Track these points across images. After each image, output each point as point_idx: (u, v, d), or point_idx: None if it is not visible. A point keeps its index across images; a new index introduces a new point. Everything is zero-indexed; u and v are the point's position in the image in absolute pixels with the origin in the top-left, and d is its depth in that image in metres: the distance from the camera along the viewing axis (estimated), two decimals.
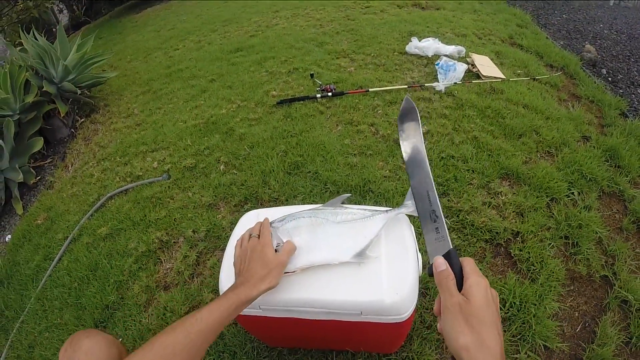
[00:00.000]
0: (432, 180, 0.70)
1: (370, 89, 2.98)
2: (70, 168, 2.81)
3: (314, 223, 0.90)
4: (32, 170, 2.77)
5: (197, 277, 1.69)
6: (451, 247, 0.59)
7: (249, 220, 1.10)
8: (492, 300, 0.54)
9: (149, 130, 2.89)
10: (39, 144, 2.80)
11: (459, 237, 1.72)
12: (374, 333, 1.01)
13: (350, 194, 1.04)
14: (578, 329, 1.38)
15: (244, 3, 6.44)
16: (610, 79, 3.63)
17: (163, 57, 4.53)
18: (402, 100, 2.83)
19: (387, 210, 0.92)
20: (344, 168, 2.14)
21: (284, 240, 0.88)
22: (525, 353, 1.29)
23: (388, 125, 2.53)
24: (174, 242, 1.87)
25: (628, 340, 1.35)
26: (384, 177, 2.07)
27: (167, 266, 1.76)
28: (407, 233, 0.94)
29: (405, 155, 0.76)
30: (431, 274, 0.59)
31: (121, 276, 1.73)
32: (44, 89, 2.96)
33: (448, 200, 1.89)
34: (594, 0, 7.75)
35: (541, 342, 1.31)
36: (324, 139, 2.40)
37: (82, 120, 3.31)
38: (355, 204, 1.87)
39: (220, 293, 0.94)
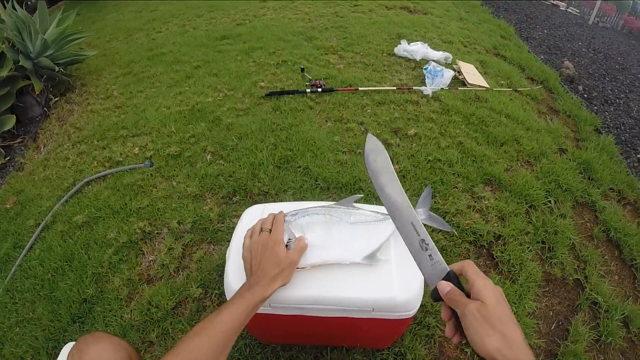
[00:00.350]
0: (414, 210, 0.69)
1: (359, 88, 2.96)
2: (42, 149, 2.62)
3: (328, 221, 0.89)
4: (1, 149, 2.57)
5: (182, 271, 1.60)
6: (448, 269, 0.61)
7: (252, 215, 1.06)
8: (501, 297, 0.55)
9: (130, 114, 2.73)
10: (10, 121, 2.60)
11: (445, 237, 1.74)
12: (379, 329, 1.03)
13: (362, 195, 1.01)
14: (553, 327, 1.47)
15: None
16: (586, 95, 3.79)
17: (145, 39, 4.31)
18: (390, 101, 2.90)
19: None
20: (335, 165, 2.10)
21: (296, 236, 0.85)
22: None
23: (377, 125, 2.52)
24: (158, 233, 1.76)
25: (598, 337, 1.46)
26: None
27: (150, 258, 1.66)
28: None
29: (381, 197, 0.72)
30: (435, 299, 0.60)
31: (100, 268, 1.62)
32: (19, 64, 2.74)
33: (435, 202, 1.92)
34: (574, 18, 8.05)
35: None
36: (314, 134, 2.35)
37: (57, 99, 3.10)
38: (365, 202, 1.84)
39: (227, 290, 0.90)
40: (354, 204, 0.96)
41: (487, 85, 3.20)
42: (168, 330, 1.41)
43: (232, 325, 0.69)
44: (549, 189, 2.09)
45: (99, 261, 1.65)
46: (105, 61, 3.77)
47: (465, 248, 1.72)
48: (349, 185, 1.95)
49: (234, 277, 0.90)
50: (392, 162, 2.16)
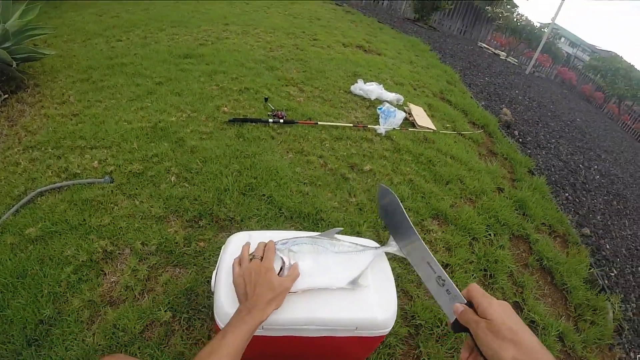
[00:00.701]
0: (429, 251, 0.83)
1: (319, 122, 3.15)
2: None
3: (316, 250, 1.00)
4: None
5: (148, 294, 1.60)
6: (465, 301, 0.67)
7: (238, 242, 1.10)
8: (508, 310, 0.60)
9: (88, 123, 2.64)
10: None
11: (400, 266, 1.95)
12: (359, 345, 1.14)
13: (342, 228, 1.16)
14: None
15: (195, 8, 6.25)
16: (521, 140, 4.31)
17: (105, 45, 4.15)
18: (347, 137, 3.13)
19: (376, 247, 1.08)
20: (297, 195, 2.24)
21: (289, 263, 0.94)
22: None
23: (335, 159, 2.72)
24: (120, 253, 1.74)
25: None
26: (334, 207, 2.22)
27: (113, 279, 1.64)
28: (387, 266, 1.10)
29: (395, 239, 0.91)
30: (457, 330, 0.66)
31: (57, 287, 1.56)
32: None
33: (388, 233, 2.11)
34: (513, 68, 9.01)
35: None
36: (277, 164, 2.47)
37: (6, 96, 2.87)
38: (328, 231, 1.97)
39: (219, 314, 0.93)
40: (336, 236, 1.10)
41: (434, 128, 3.59)
42: (136, 354, 1.40)
43: (237, 348, 0.74)
44: (489, 223, 2.43)
45: (55, 280, 1.58)
46: (62, 63, 3.57)
47: (417, 275, 1.93)
48: (311, 216, 2.09)
49: (227, 301, 0.93)
50: (350, 196, 2.38)
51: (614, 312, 2.06)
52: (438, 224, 2.37)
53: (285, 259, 0.95)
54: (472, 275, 2.01)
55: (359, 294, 0.99)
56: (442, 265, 1.98)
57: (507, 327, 0.56)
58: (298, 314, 0.93)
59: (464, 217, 2.39)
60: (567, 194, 3.35)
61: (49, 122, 2.62)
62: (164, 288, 1.62)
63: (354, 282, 0.98)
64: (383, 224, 2.13)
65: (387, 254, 1.09)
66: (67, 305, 1.52)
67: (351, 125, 3.26)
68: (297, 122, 3.08)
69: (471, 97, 5.07)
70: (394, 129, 3.36)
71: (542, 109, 5.85)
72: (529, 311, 1.88)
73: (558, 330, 1.83)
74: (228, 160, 2.44)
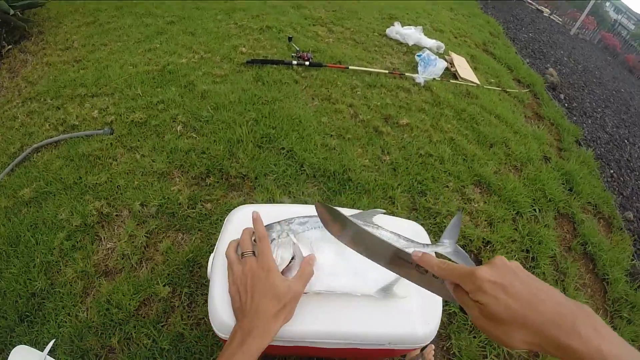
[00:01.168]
0: (388, 242, 0.57)
1: (349, 66, 2.73)
2: None
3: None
4: None
5: (146, 263, 1.39)
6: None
7: (241, 218, 0.84)
8: (506, 278, 0.45)
9: (91, 69, 2.37)
10: None
11: (437, 240, 1.61)
12: (389, 354, 0.88)
13: (384, 211, 0.82)
14: None
15: None
16: (566, 105, 3.83)
17: None
18: (381, 85, 2.67)
19: (424, 245, 0.79)
20: (322, 150, 1.90)
21: (303, 254, 0.67)
22: (491, 358, 1.31)
23: (367, 109, 2.34)
24: (117, 215, 1.52)
25: None
26: (364, 166, 1.88)
27: (108, 246, 1.43)
28: None
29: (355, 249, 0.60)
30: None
31: (50, 255, 1.37)
32: None
33: (426, 200, 1.81)
34: (557, 27, 8.04)
35: (505, 348, 1.34)
36: (300, 112, 2.12)
37: (10, 47, 2.64)
38: (351, 202, 1.66)
39: (215, 322, 0.69)
40: (373, 221, 0.77)
41: (477, 82, 3.12)
42: (131, 334, 1.21)
43: None
44: (534, 197, 2.05)
45: (48, 247, 1.40)
46: (68, 7, 3.27)
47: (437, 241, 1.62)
48: (337, 175, 1.77)
49: (223, 304, 0.69)
50: (383, 153, 2.02)
51: None
52: (480, 192, 2.00)
53: (298, 247, 0.69)
54: (514, 256, 1.67)
55: (398, 303, 0.73)
56: (482, 242, 1.65)
57: (505, 310, 0.42)
58: (314, 327, 0.68)
59: (508, 187, 2.01)
60: (611, 171, 2.94)
61: (50, 71, 2.38)
62: (164, 257, 1.39)
63: (387, 290, 0.72)
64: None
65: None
66: (60, 276, 1.33)
67: (386, 72, 2.81)
68: (324, 65, 2.67)
69: (515, 53, 4.44)
70: (433, 79, 2.89)
71: (588, 74, 5.12)
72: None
73: None
74: (243, 107, 2.11)
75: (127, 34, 2.82)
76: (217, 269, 0.73)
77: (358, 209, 1.66)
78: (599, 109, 4.08)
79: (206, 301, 1.27)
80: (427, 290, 0.69)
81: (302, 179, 1.72)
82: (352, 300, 0.71)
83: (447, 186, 1.92)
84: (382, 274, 0.72)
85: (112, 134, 1.85)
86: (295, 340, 0.71)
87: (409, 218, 1.73)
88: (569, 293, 1.60)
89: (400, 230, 0.79)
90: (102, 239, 1.44)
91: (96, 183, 1.61)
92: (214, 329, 0.69)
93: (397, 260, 0.55)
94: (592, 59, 6.23)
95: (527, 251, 1.72)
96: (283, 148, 1.86)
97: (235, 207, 1.51)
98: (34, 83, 2.29)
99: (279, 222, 0.73)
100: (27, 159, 1.76)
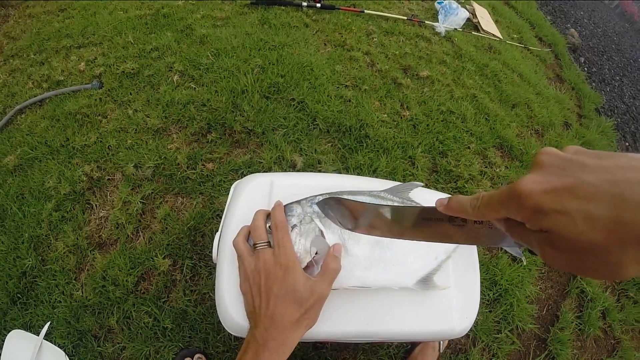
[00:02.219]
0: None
1: (365, 10, 2.36)
2: None
3: None
4: None
5: (143, 232, 1.21)
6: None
7: (251, 192, 0.66)
8: (570, 167, 0.27)
9: (76, 18, 2.09)
10: None
11: None
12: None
13: (422, 184, 0.58)
14: (544, 312, 1.36)
15: None
16: (586, 69, 3.49)
17: None
18: (400, 32, 2.28)
19: None
20: (336, 102, 1.63)
21: (329, 244, 0.54)
22: (505, 333, 1.21)
23: (385, 58, 2.02)
24: (109, 179, 1.33)
25: (582, 328, 1.35)
26: (382, 121, 1.63)
27: (101, 214, 1.25)
28: (474, 252, 0.69)
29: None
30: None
31: (39, 229, 1.20)
32: None
33: (447, 162, 1.58)
34: None
35: (519, 324, 1.25)
36: (311, 59, 1.82)
37: None
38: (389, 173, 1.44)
39: (225, 320, 0.57)
40: (410, 197, 0.56)
41: (500, 36, 2.77)
42: (131, 313, 1.07)
43: None
44: None
45: (36, 220, 1.23)
46: None
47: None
48: (353, 130, 1.52)
49: (232, 300, 0.57)
50: (402, 107, 1.75)
51: None
52: (502, 156, 1.76)
53: (325, 231, 0.55)
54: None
55: (435, 296, 0.62)
56: None
57: (588, 224, 0.24)
58: (341, 327, 0.57)
59: (531, 152, 1.78)
60: (627, 144, 2.73)
61: (33, 23, 2.11)
62: (162, 225, 1.20)
63: (427, 281, 0.60)
64: None
65: None
66: (51, 251, 1.18)
67: (404, 18, 2.43)
68: (338, 8, 2.31)
69: (537, 8, 3.96)
70: (455, 29, 2.51)
71: (606, 38, 4.68)
72: (581, 279, 1.45)
73: (604, 306, 1.42)
74: (248, 53, 1.82)
75: None
76: (224, 254, 0.59)
77: (376, 170, 1.43)
78: (617, 77, 3.81)
79: (210, 274, 1.10)
80: (466, 284, 0.64)
81: (314, 135, 1.47)
82: (386, 294, 0.59)
83: (469, 147, 1.68)
84: (424, 263, 0.60)
85: (101, 88, 1.62)
86: (325, 339, 0.62)
87: (428, 181, 1.50)
88: None
89: None
90: (94, 207, 1.26)
91: (85, 144, 1.41)
92: (223, 324, 0.57)
93: (427, 222, 0.41)
94: (610, 24, 5.74)
95: None
96: (293, 99, 1.60)
97: (240, 166, 1.31)
98: (16, 38, 2.03)
99: (299, 202, 0.57)
100: (11, 122, 1.55)
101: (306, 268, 0.52)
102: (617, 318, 1.40)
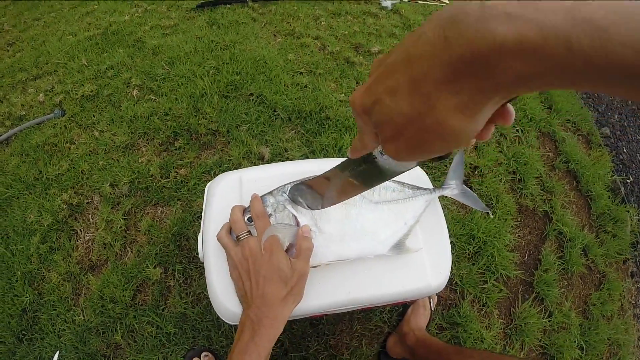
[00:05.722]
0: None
1: None
2: None
3: (347, 202, 0.57)
4: None
5: (130, 247, 1.14)
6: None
7: (224, 190, 0.65)
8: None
9: (27, 49, 1.91)
10: None
11: (423, 169, 1.36)
12: (400, 302, 0.85)
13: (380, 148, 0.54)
14: (526, 257, 1.32)
15: None
16: None
17: None
18: (347, 12, 2.13)
19: (431, 191, 0.65)
20: (293, 89, 1.54)
21: (297, 227, 0.54)
22: (491, 283, 1.17)
23: (335, 40, 1.91)
24: (88, 202, 1.24)
25: (565, 267, 1.31)
26: (340, 101, 1.54)
27: (87, 237, 1.17)
28: (440, 213, 0.67)
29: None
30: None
31: (29, 264, 1.12)
32: None
33: None
34: None
35: (503, 272, 1.19)
36: (263, 52, 1.71)
37: None
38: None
39: (219, 309, 0.57)
40: None
41: (447, 1, 2.59)
42: (134, 326, 1.01)
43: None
44: (516, 117, 1.70)
45: (25, 256, 1.14)
46: None
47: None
48: (313, 114, 1.44)
49: (224, 290, 0.56)
50: (358, 84, 1.65)
51: (631, 224, 1.52)
52: None
53: (296, 215, 0.56)
54: (502, 179, 1.42)
55: (408, 257, 0.61)
56: (470, 168, 1.36)
57: (393, 113, 0.25)
58: (328, 299, 0.58)
59: None
60: None
61: None
62: (148, 237, 1.14)
63: (400, 246, 0.60)
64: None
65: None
66: (46, 284, 1.10)
67: None
68: None
69: None
70: (401, 1, 2.38)
71: None
72: (558, 221, 1.38)
73: (583, 243, 1.37)
74: (201, 57, 1.70)
75: (59, 1, 2.27)
76: (209, 250, 0.59)
77: (341, 148, 1.36)
78: None
79: (201, 274, 1.05)
80: (436, 243, 0.63)
81: (277, 125, 1.40)
82: (364, 264, 0.60)
83: None
84: (394, 230, 0.60)
85: (64, 116, 1.49)
86: (312, 314, 0.60)
87: None
88: (557, 212, 1.40)
89: (400, 177, 0.56)
90: (79, 232, 1.18)
91: (58, 173, 1.30)
92: (220, 316, 0.57)
93: (349, 172, 0.42)
94: None
95: (514, 173, 1.47)
96: (252, 94, 1.51)
97: (211, 167, 1.23)
98: None
99: (271, 192, 0.58)
100: None
101: (287, 250, 0.52)
102: (598, 253, 1.36)
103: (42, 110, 1.54)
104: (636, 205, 1.60)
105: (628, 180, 1.80)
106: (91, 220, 1.20)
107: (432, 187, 0.67)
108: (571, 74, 0.17)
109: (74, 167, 1.31)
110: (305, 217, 0.56)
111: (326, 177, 0.47)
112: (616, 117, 2.34)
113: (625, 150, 2.05)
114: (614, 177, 1.67)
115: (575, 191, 1.57)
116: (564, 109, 1.85)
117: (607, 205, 1.51)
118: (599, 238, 1.43)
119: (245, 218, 0.53)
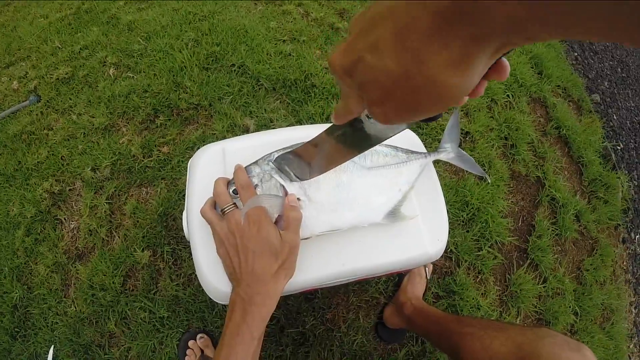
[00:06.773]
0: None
1: None
2: None
3: (337, 168, 0.51)
4: None
5: (116, 231, 1.06)
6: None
7: (207, 162, 0.59)
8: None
9: None
10: None
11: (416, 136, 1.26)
12: (398, 271, 0.74)
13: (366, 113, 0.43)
14: (520, 224, 1.26)
15: None
16: None
17: None
18: None
19: (426, 155, 0.59)
20: (277, 58, 1.41)
21: (288, 192, 0.49)
22: (486, 250, 1.12)
23: (318, 6, 1.73)
24: (70, 189, 1.15)
25: (559, 233, 1.26)
26: (325, 68, 1.41)
27: (72, 226, 1.09)
28: (435, 177, 0.62)
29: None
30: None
31: (16, 259, 1.05)
32: None
33: None
34: None
35: (497, 238, 1.13)
36: (244, 21, 1.56)
37: None
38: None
39: (208, 289, 0.53)
40: None
41: None
42: (126, 313, 0.95)
43: (258, 339, 0.44)
44: (506, 83, 1.60)
45: (11, 250, 1.07)
46: None
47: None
48: (298, 83, 1.31)
49: (211, 269, 0.52)
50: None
51: (622, 191, 1.47)
52: None
53: (284, 184, 0.50)
54: (494, 144, 1.33)
55: (404, 224, 0.55)
56: (462, 134, 1.22)
57: (379, 72, 0.22)
58: (323, 271, 0.52)
59: None
60: (576, 54, 2.44)
61: None
62: (133, 220, 1.05)
63: (395, 214, 0.54)
64: None
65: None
66: (34, 277, 1.03)
67: None
68: None
69: None
70: None
71: None
72: (550, 187, 1.31)
73: (576, 209, 1.30)
74: (179, 29, 1.55)
75: None
76: (194, 228, 0.54)
77: (328, 116, 1.24)
78: None
79: (191, 254, 0.98)
80: (432, 208, 0.58)
81: (261, 95, 1.28)
82: (358, 233, 0.54)
83: None
84: (388, 197, 0.55)
85: (39, 102, 1.38)
86: (307, 288, 0.55)
87: None
88: (550, 177, 1.33)
89: (393, 142, 0.50)
90: (63, 221, 1.10)
91: (37, 162, 1.20)
92: (210, 297, 0.53)
93: (336, 138, 0.39)
94: None
95: (506, 138, 1.38)
96: (233, 65, 1.38)
97: (195, 143, 1.13)
98: None
99: (256, 162, 0.52)
100: None
101: (275, 222, 0.47)
102: (590, 219, 1.31)
103: (17, 98, 1.42)
104: (626, 171, 1.56)
105: (618, 147, 1.73)
106: (75, 207, 1.11)
107: (426, 151, 0.61)
108: (565, 15, 0.15)
109: (53, 154, 1.21)
110: (294, 186, 0.51)
111: (313, 144, 0.43)
112: (606, 84, 2.24)
113: (615, 117, 1.99)
114: (604, 144, 1.59)
115: (567, 157, 1.49)
116: (554, 75, 1.73)
117: (598, 172, 1.45)
118: (591, 204, 1.37)
119: (230, 190, 0.48)
